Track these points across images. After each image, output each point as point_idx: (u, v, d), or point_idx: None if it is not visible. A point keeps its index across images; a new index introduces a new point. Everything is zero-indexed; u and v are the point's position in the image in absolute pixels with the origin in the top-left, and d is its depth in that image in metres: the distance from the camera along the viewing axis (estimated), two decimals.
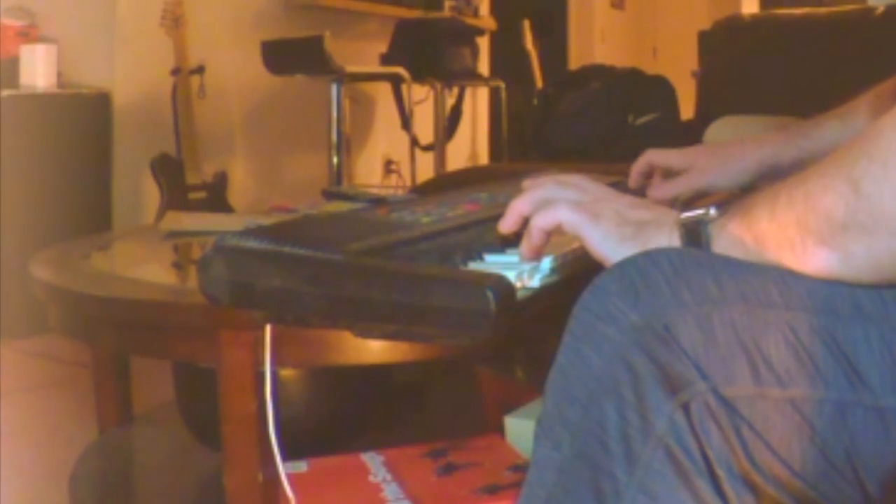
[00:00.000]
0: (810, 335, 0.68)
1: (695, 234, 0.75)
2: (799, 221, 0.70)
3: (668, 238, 0.77)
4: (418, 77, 4.19)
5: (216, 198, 3.57)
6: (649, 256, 0.70)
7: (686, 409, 0.66)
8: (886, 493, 0.70)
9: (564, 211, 0.81)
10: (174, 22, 3.51)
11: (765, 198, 0.73)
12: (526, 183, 0.90)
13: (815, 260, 0.70)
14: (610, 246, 0.78)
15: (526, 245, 0.84)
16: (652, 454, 0.66)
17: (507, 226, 0.88)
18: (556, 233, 0.83)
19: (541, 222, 0.83)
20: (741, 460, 0.67)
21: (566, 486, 0.68)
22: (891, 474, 0.69)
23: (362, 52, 4.50)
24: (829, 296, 0.70)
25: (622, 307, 0.67)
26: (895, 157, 0.65)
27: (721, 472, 0.66)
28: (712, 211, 0.75)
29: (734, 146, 1.24)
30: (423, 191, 2.90)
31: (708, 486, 0.66)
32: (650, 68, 3.91)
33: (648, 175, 1.29)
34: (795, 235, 0.70)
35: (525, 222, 0.85)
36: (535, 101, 3.86)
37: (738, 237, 0.73)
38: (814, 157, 1.17)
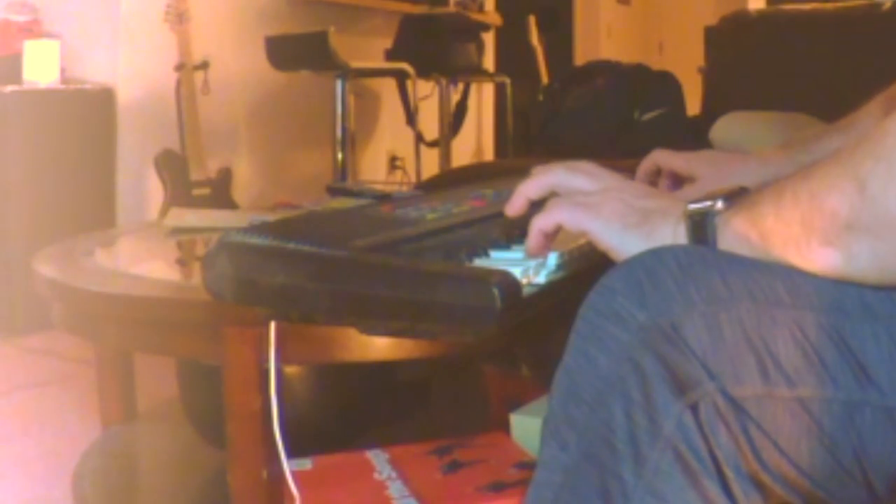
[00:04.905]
0: (818, 334, 0.68)
1: (701, 227, 0.75)
2: (803, 220, 0.69)
3: (673, 228, 0.76)
4: (423, 73, 4.18)
5: (220, 194, 3.57)
6: (656, 255, 0.69)
7: (694, 409, 0.65)
8: (894, 493, 0.69)
9: (563, 212, 0.80)
10: (178, 17, 3.51)
11: (770, 194, 0.73)
12: (536, 169, 0.90)
13: (819, 259, 0.69)
14: (613, 234, 0.78)
15: (529, 245, 0.84)
16: (660, 455, 0.65)
17: (513, 209, 0.88)
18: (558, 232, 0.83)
19: (541, 224, 0.82)
20: (749, 460, 0.67)
21: (573, 487, 0.67)
22: None
23: (367, 48, 4.49)
24: (838, 294, 0.69)
25: (629, 307, 0.67)
26: None
27: (729, 473, 0.66)
28: (719, 204, 0.75)
29: (738, 160, 1.24)
30: (427, 187, 2.89)
31: (716, 487, 0.66)
32: (656, 64, 3.90)
33: (655, 174, 1.29)
34: (800, 234, 0.69)
35: (531, 207, 0.85)
36: (541, 97, 3.85)
37: (743, 233, 0.73)
38: None
